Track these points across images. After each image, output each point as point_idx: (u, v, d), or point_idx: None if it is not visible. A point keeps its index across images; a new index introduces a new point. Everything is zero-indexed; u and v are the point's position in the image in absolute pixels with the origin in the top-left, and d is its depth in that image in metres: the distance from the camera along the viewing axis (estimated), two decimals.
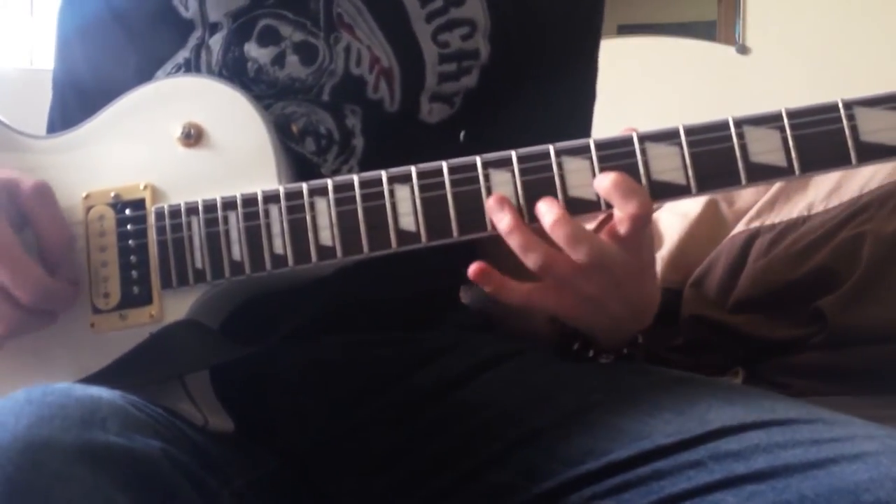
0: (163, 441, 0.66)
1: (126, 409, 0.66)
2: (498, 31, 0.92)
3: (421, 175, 0.77)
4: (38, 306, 0.75)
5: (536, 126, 0.94)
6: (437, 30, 0.90)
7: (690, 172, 0.74)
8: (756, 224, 1.39)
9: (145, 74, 0.85)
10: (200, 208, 0.79)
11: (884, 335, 1.21)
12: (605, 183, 0.73)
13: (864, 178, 1.34)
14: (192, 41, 0.89)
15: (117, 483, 0.60)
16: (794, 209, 1.38)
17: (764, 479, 0.70)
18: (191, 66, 0.89)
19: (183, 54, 0.89)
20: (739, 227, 1.41)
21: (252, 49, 0.88)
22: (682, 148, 0.74)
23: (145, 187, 0.81)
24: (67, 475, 0.59)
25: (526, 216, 0.75)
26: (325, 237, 0.77)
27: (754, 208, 1.42)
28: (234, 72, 0.87)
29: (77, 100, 0.96)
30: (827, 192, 1.36)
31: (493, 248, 0.77)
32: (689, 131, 0.74)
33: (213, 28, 0.89)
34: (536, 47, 0.95)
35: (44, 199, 0.77)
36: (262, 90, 0.88)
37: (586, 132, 1.02)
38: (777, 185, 1.40)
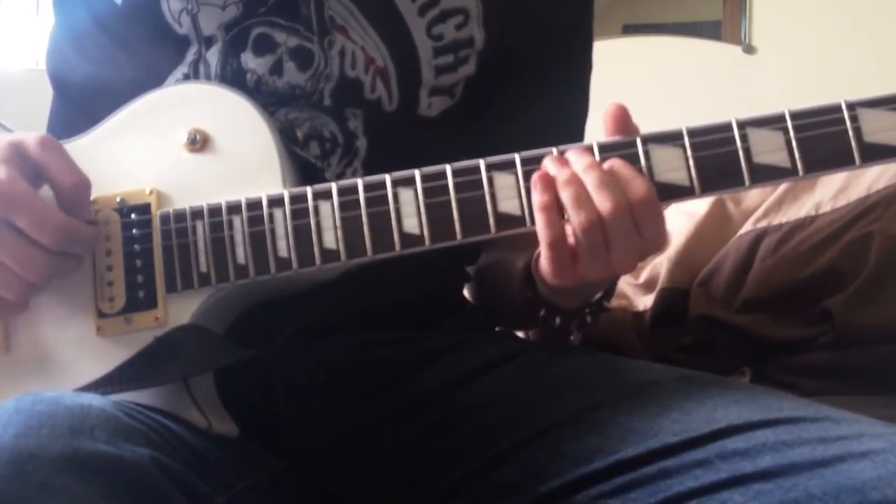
0: (154, 448, 0.66)
1: (116, 416, 0.66)
2: (491, 14, 0.92)
3: (425, 178, 0.77)
4: (62, 248, 0.75)
5: (536, 109, 0.95)
6: (430, 23, 0.90)
7: (694, 174, 0.74)
8: (763, 224, 1.39)
9: (143, 88, 0.85)
10: (205, 212, 0.79)
11: (891, 335, 1.21)
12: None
13: (871, 178, 1.33)
14: (190, 56, 0.89)
15: (105, 492, 0.60)
16: (801, 209, 1.37)
17: (771, 477, 0.70)
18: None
19: (182, 69, 0.89)
20: (747, 226, 1.41)
21: (249, 59, 0.88)
22: (685, 150, 0.74)
23: (151, 192, 0.81)
24: (53, 485, 0.59)
25: (528, 219, 0.75)
26: (329, 240, 0.77)
27: (761, 208, 1.41)
28: (234, 84, 0.87)
29: (75, 105, 0.96)
30: (834, 191, 1.36)
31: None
32: (693, 133, 0.74)
33: (209, 42, 0.89)
34: (528, 26, 0.95)
35: (51, 148, 0.77)
36: (264, 98, 0.88)
37: (583, 113, 1.03)
38: (784, 185, 1.40)
